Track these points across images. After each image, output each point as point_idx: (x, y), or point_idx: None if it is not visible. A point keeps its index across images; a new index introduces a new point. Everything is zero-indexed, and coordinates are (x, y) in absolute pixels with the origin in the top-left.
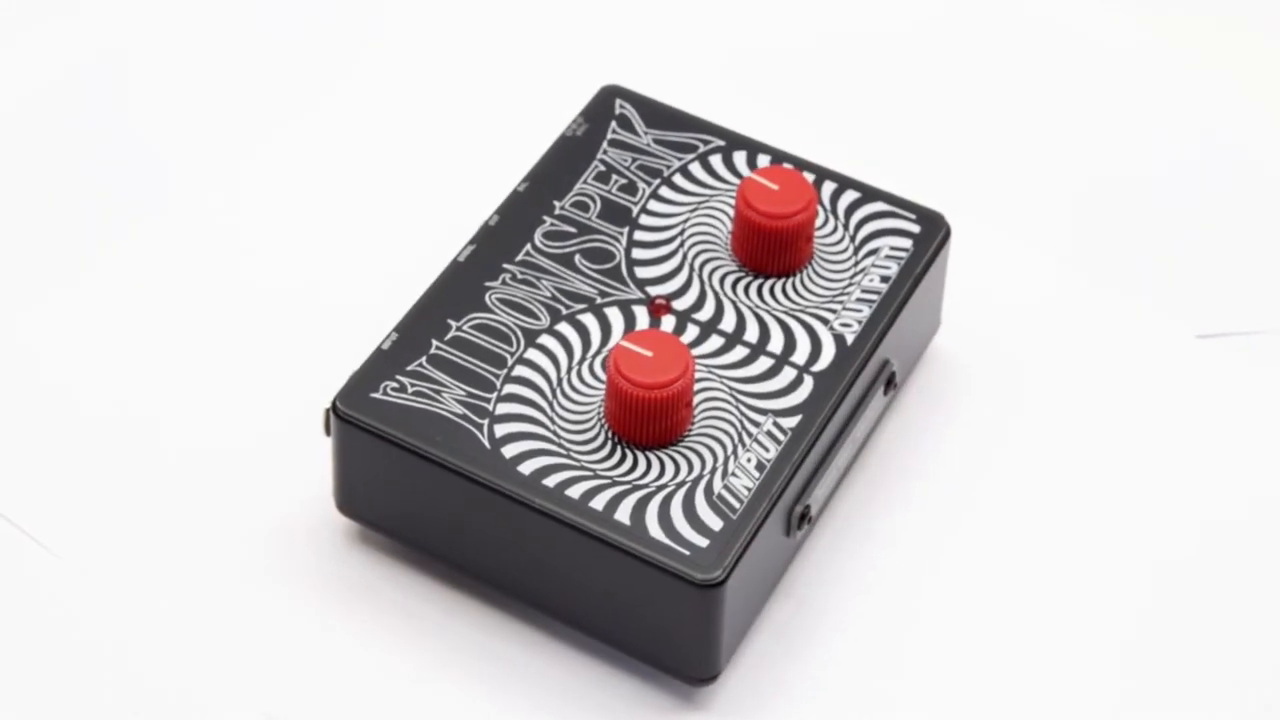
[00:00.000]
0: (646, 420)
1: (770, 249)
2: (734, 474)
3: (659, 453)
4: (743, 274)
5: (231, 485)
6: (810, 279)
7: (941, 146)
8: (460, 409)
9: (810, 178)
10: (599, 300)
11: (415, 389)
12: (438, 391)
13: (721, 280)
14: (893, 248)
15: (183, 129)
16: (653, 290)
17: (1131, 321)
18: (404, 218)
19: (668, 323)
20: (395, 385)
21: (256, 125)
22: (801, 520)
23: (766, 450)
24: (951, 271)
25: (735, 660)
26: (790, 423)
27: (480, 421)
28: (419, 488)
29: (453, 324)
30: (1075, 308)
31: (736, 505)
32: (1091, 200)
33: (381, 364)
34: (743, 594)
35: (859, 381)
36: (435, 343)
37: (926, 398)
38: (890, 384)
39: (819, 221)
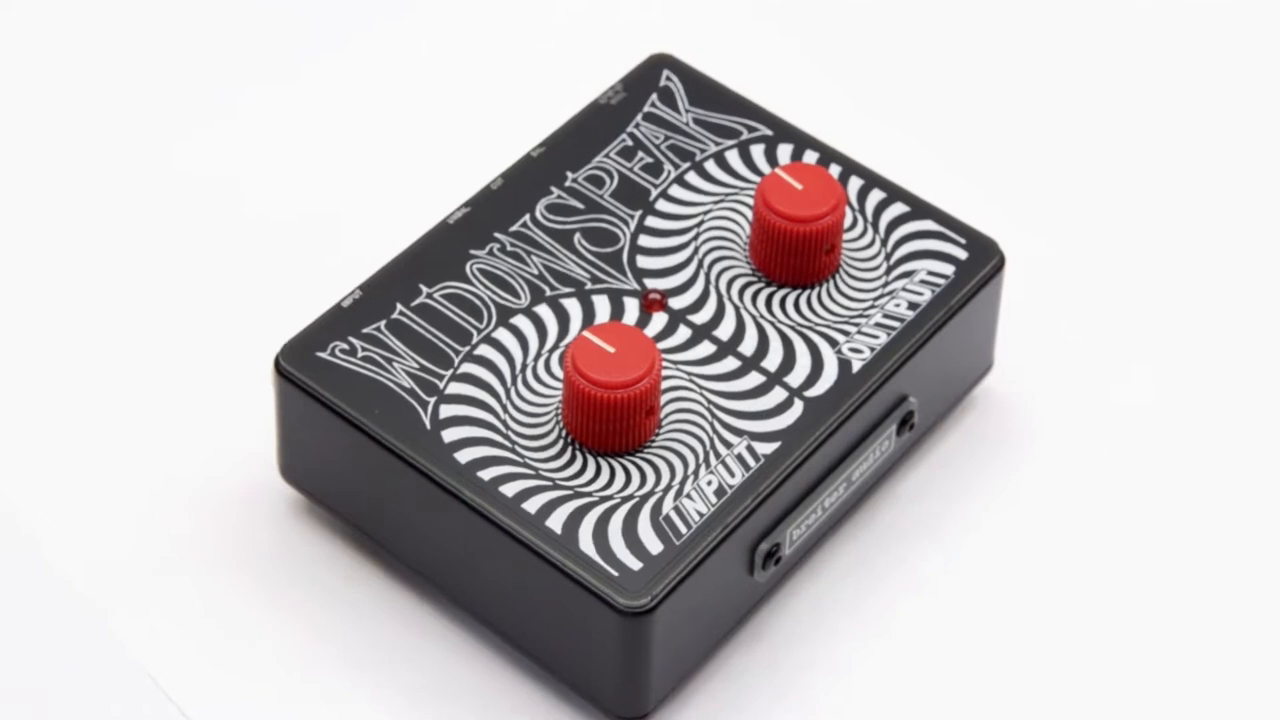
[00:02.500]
0: (599, 422)
1: (785, 255)
2: (689, 495)
3: (613, 460)
4: (756, 280)
5: (177, 437)
6: (830, 294)
7: (1032, 169)
8: (408, 382)
9: (857, 183)
10: (589, 286)
11: (365, 354)
12: (389, 360)
13: (730, 283)
14: (930, 272)
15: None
16: (651, 283)
17: (1220, 388)
18: (421, 172)
19: (659, 320)
20: (345, 347)
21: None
22: (768, 559)
23: (731, 475)
24: (1015, 308)
25: (675, 703)
26: (766, 449)
27: (427, 399)
28: (353, 461)
29: (424, 289)
30: (1158, 361)
31: (683, 530)
32: (1183, 240)
33: (337, 322)
34: (682, 629)
35: (859, 415)
36: (400, 307)
37: (967, 447)
38: (907, 424)
39: (855, 233)
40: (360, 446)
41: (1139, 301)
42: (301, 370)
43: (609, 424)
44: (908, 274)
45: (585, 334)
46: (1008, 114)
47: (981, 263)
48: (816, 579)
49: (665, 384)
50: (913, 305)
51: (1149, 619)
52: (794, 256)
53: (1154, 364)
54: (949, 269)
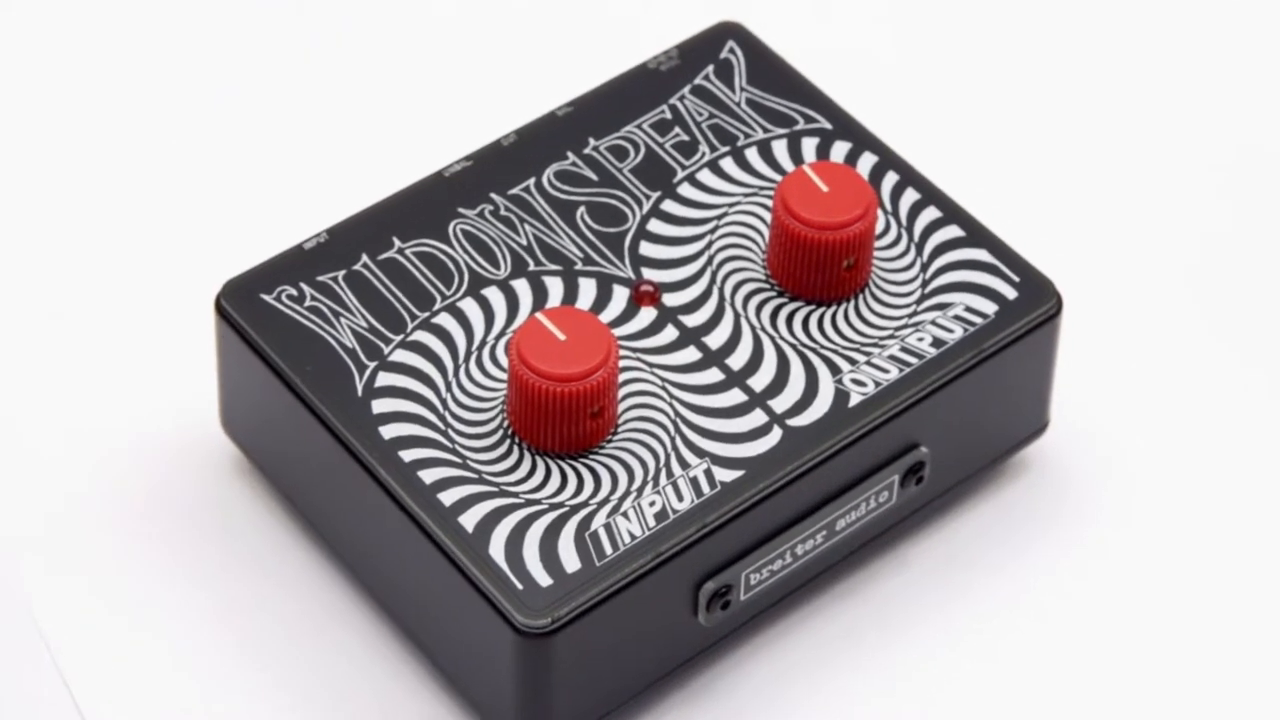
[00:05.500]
0: (538, 416)
1: (799, 264)
2: (625, 514)
3: (553, 460)
4: (768, 288)
5: (125, 377)
6: (847, 315)
7: (1124, 213)
8: (351, 342)
9: (912, 196)
10: (579, 266)
11: (313, 304)
12: (336, 314)
13: (737, 287)
14: (968, 307)
15: None
16: (649, 274)
17: None
18: (446, 119)
19: (645, 315)
20: (293, 293)
21: None
22: (714, 601)
23: (679, 498)
24: (1082, 361)
25: None
26: (727, 475)
27: (367, 364)
28: (280, 419)
29: (396, 243)
30: (1247, 429)
31: (608, 550)
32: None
33: (292, 264)
34: (596, 662)
35: (849, 455)
36: (365, 258)
37: (1007, 518)
38: (915, 476)
39: (895, 251)
40: (286, 403)
41: (1231, 362)
42: (240, 312)
43: (548, 420)
44: (942, 306)
45: (538, 315)
46: (1104, 152)
47: (1032, 305)
48: (792, 641)
49: (632, 387)
50: (938, 342)
51: None
52: (809, 267)
53: (1243, 433)
54: (990, 307)
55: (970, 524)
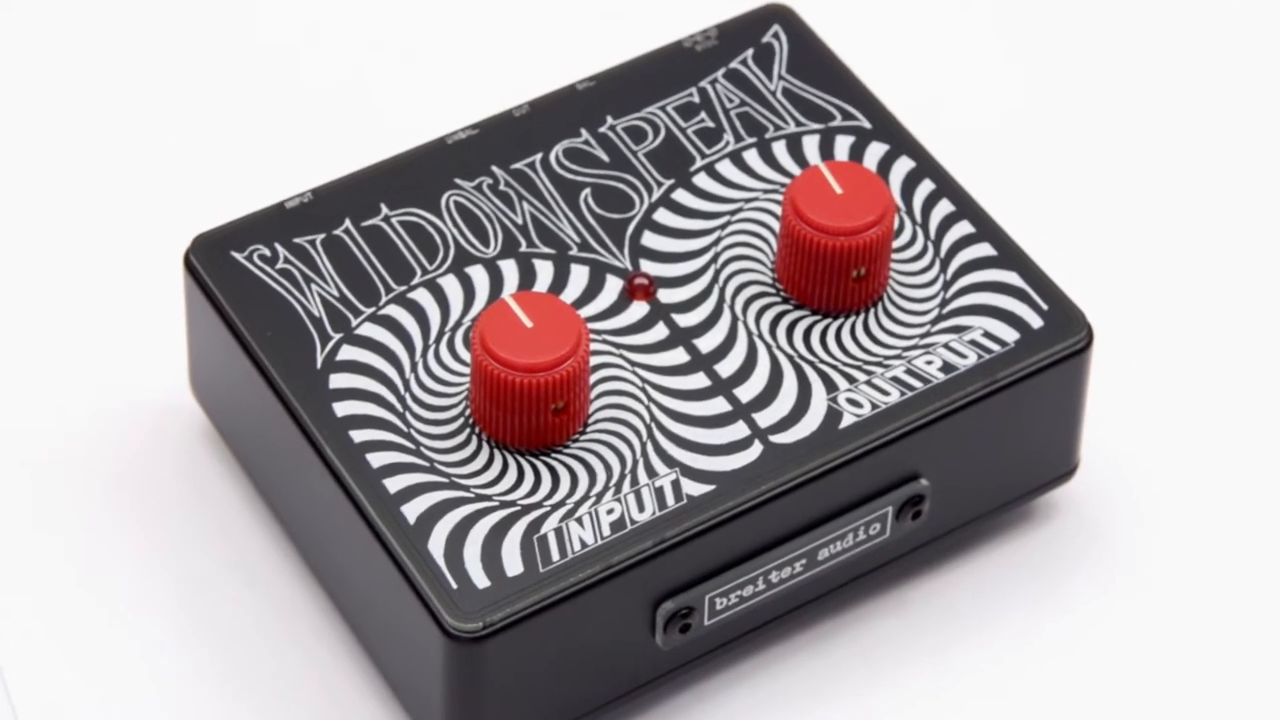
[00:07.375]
0: (496, 407)
1: (805, 270)
2: (580, 519)
3: (511, 455)
4: (773, 294)
5: (87, 347)
6: (855, 329)
7: (1176, 246)
8: (319, 311)
9: (946, 208)
10: (573, 250)
11: (284, 267)
12: (308, 280)
13: (739, 290)
14: (987, 333)
15: None
16: (648, 266)
17: None
18: (463, 84)
19: (637, 310)
20: (266, 253)
21: None
22: (672, 623)
23: (640, 508)
24: (1118, 400)
25: None
26: (696, 489)
27: (331, 335)
28: (238, 385)
29: (384, 209)
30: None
31: (555, 556)
32: None
33: (270, 222)
34: (534, 675)
35: (836, 480)
36: (348, 222)
37: (1026, 566)
38: (912, 509)
39: (919, 265)
40: (244, 369)
41: (1276, 402)
42: (208, 269)
43: (508, 411)
44: (959, 329)
45: (506, 298)
46: (1158, 182)
47: (1058, 336)
48: (768, 675)
49: (610, 385)
50: (948, 367)
51: None
52: (815, 274)
53: None
54: (1011, 334)
55: (985, 568)
